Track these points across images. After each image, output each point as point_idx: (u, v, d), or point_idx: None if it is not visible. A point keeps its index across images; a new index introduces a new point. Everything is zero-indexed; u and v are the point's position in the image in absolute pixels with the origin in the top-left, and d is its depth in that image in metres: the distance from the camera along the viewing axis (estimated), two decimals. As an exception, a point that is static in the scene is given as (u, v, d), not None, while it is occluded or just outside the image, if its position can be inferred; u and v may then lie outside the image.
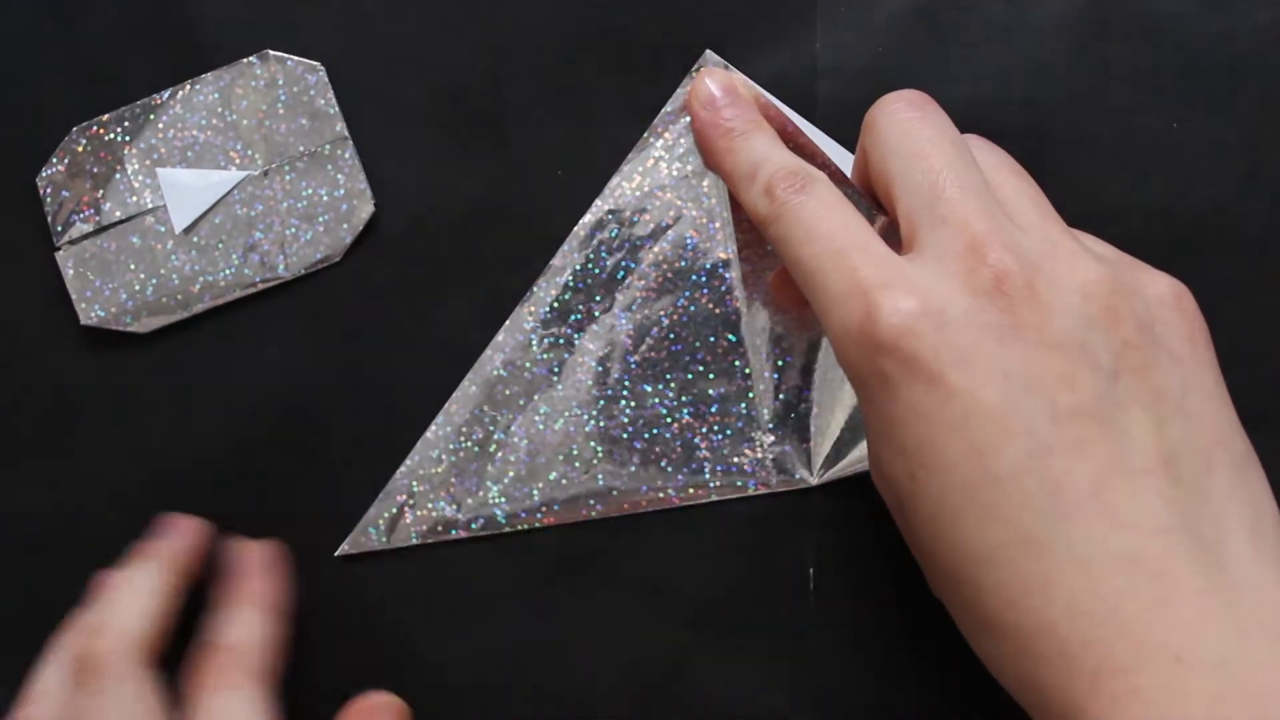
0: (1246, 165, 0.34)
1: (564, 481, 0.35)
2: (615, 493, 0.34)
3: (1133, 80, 0.34)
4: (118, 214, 0.37)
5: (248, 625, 0.33)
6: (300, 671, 0.36)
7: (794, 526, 0.34)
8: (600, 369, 0.35)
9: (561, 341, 0.35)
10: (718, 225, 0.35)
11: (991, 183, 0.29)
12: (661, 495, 0.34)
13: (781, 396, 0.34)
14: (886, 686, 0.33)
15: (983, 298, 0.26)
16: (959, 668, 0.32)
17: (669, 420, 0.35)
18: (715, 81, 0.34)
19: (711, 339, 0.35)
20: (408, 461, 0.35)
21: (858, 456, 0.34)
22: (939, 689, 0.33)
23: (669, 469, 0.34)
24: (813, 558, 0.34)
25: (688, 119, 0.35)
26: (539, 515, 0.35)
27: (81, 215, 0.37)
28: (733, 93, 0.33)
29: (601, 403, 0.35)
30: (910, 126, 0.29)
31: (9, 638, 0.36)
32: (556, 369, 0.35)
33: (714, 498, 0.34)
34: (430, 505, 0.35)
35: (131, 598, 0.32)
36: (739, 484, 0.34)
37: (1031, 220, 0.28)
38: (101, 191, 0.37)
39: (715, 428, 0.34)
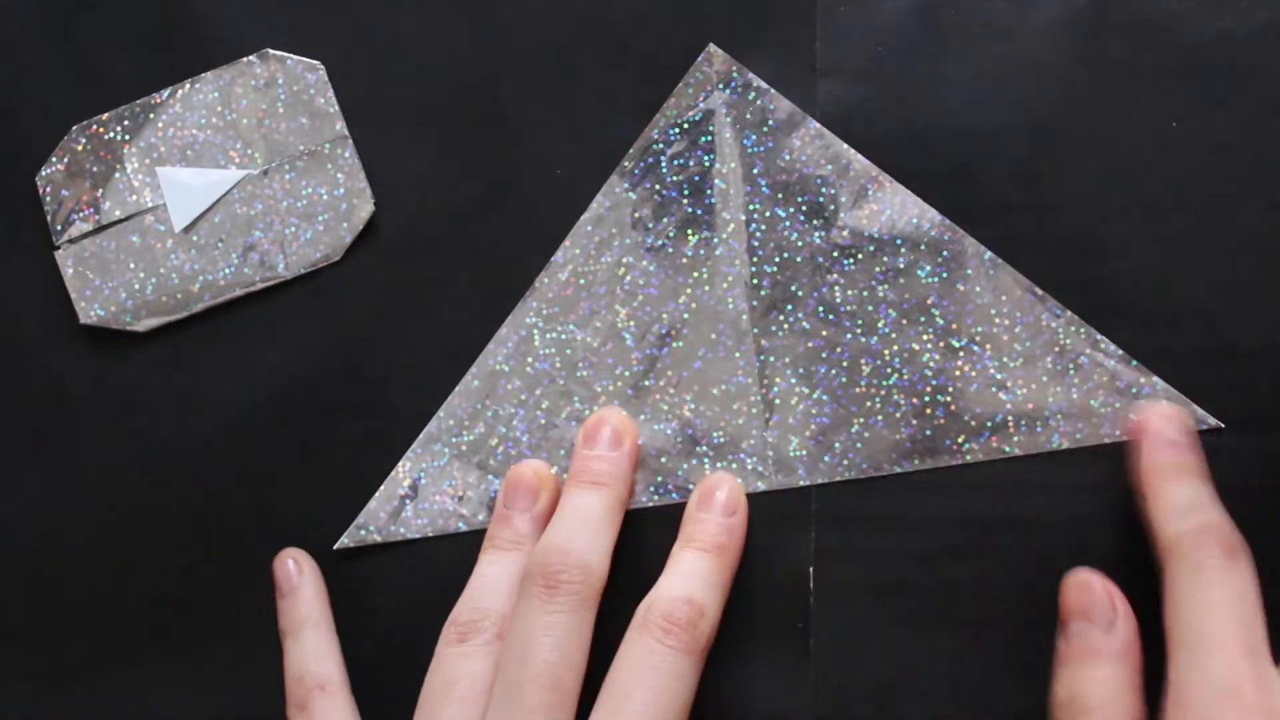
0: (1246, 165, 0.34)
1: (565, 477, 0.35)
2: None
3: (1133, 80, 0.34)
4: (117, 213, 0.37)
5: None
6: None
7: (794, 526, 0.34)
8: (602, 365, 0.35)
9: (564, 337, 0.35)
10: (718, 224, 0.35)
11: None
12: (661, 493, 0.34)
13: (782, 395, 0.34)
14: (886, 686, 0.33)
15: None
16: (959, 667, 0.32)
17: (669, 418, 0.35)
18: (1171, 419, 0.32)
19: (712, 336, 0.35)
20: (409, 455, 0.35)
21: (856, 457, 0.34)
22: (939, 688, 0.33)
23: (669, 466, 0.34)
24: (813, 558, 0.34)
25: (687, 116, 0.35)
26: (539, 514, 0.35)
27: (81, 214, 0.37)
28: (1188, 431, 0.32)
29: (603, 399, 0.35)
30: (1210, 583, 0.28)
31: (9, 637, 0.36)
32: (559, 364, 0.35)
33: (714, 497, 0.34)
34: (431, 499, 0.35)
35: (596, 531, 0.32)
36: (739, 483, 0.34)
37: None
38: (101, 190, 0.37)
39: (715, 426, 0.34)
